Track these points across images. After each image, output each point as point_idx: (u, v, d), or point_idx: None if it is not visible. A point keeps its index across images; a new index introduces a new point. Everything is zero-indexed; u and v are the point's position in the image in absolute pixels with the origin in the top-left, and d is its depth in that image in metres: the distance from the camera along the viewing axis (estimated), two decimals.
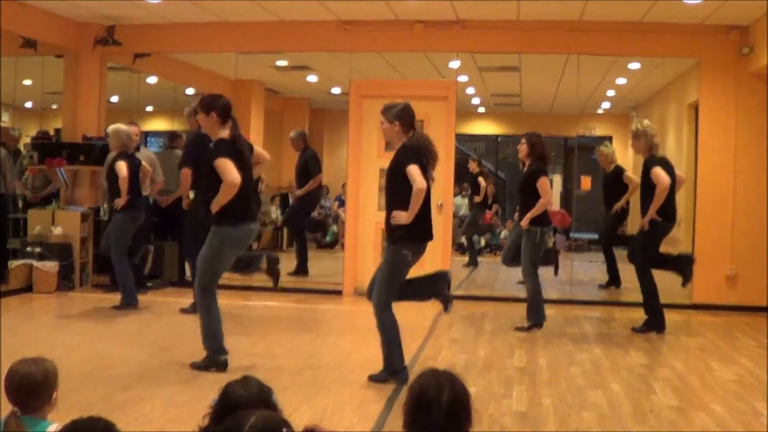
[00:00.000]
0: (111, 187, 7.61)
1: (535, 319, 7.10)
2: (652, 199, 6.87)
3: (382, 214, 5.28)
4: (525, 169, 7.13)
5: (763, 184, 8.48)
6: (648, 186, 6.95)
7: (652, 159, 6.99)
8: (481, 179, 11.94)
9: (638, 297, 7.29)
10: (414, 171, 4.95)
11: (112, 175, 7.57)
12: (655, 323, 7.08)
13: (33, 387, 2.55)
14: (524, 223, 6.95)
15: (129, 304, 7.59)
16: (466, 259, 12.25)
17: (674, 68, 9.94)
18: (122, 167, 7.46)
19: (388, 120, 5.10)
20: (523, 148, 7.11)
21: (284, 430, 1.96)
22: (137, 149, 8.56)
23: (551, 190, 7.13)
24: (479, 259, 12.54)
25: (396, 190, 5.07)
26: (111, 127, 7.74)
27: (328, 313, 8.19)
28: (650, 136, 6.95)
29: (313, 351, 6.13)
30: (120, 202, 7.48)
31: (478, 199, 11.99)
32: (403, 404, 2.17)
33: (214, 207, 5.12)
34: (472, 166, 12.18)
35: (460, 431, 2.12)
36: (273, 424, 1.94)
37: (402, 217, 4.98)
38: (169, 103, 12.04)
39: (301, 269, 10.03)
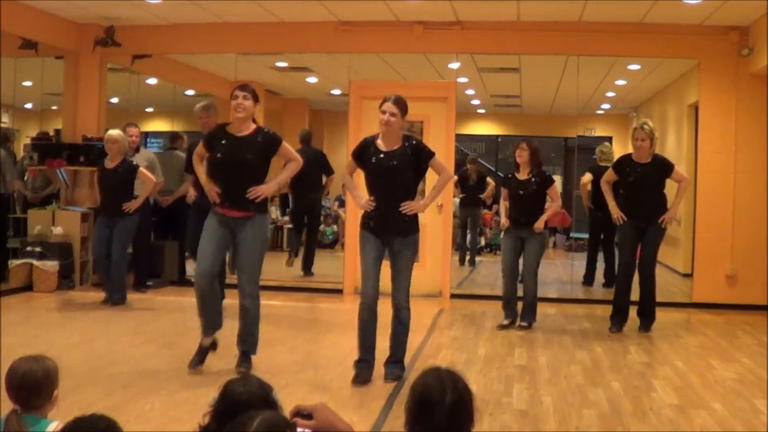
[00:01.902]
0: (125, 190, 7.73)
1: (531, 319, 7.19)
2: (661, 197, 6.95)
3: None
4: (530, 176, 7.08)
5: (763, 184, 8.49)
6: (658, 185, 6.96)
7: (667, 159, 7.14)
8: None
9: (636, 296, 7.25)
10: (441, 160, 5.30)
11: (129, 178, 7.73)
12: (620, 319, 7.13)
13: (34, 385, 2.55)
14: (540, 225, 7.02)
15: (121, 301, 7.74)
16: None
17: (674, 69, 9.95)
18: (145, 170, 7.83)
19: (402, 113, 5.09)
20: (524, 155, 7.08)
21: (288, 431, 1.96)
22: (137, 150, 8.61)
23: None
24: (477, 258, 12.52)
25: (410, 181, 5.13)
26: (117, 133, 7.79)
27: (329, 311, 8.20)
28: (656, 138, 7.03)
29: (313, 349, 6.14)
30: (135, 204, 7.71)
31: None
32: (405, 403, 2.17)
33: (273, 187, 5.20)
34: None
35: (462, 429, 2.12)
36: (277, 426, 1.94)
37: (419, 206, 5.09)
38: (169, 104, 12.05)
39: (306, 268, 10.07)
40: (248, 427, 1.90)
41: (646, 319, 7.13)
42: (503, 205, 7.32)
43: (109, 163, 7.79)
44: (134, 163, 7.92)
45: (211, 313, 5.29)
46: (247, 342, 5.25)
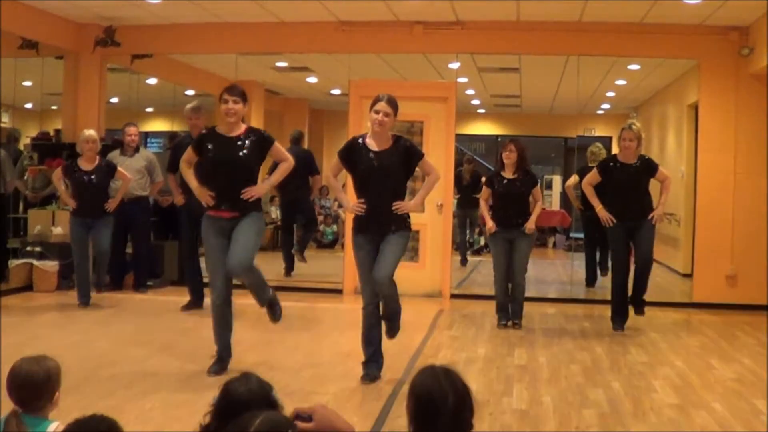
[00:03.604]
0: (103, 191, 7.70)
1: (521, 316, 7.25)
2: (647, 196, 6.97)
3: None
4: (517, 176, 7.07)
5: (763, 184, 8.50)
6: (644, 185, 6.97)
7: (652, 159, 7.15)
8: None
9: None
10: (431, 161, 5.28)
11: (108, 178, 7.70)
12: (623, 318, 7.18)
13: (34, 387, 2.54)
14: (532, 226, 7.09)
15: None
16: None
17: (674, 69, 9.95)
18: (123, 170, 7.87)
19: (394, 112, 5.05)
20: (513, 156, 7.05)
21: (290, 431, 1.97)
22: (136, 150, 8.60)
23: (548, 191, 7.28)
24: (476, 258, 12.53)
25: (401, 181, 5.11)
26: (94, 133, 7.73)
27: (329, 311, 8.20)
28: (643, 139, 7.05)
29: (313, 349, 6.14)
30: (115, 203, 7.72)
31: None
32: (407, 406, 2.16)
33: (265, 187, 5.29)
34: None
35: (465, 425, 2.14)
36: (279, 425, 1.95)
37: (410, 206, 5.07)
38: (169, 104, 12.06)
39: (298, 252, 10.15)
40: (250, 426, 1.90)
41: (639, 304, 7.13)
42: (485, 207, 7.26)
43: (86, 164, 7.61)
44: (113, 162, 7.90)
45: (224, 338, 5.28)
46: (264, 298, 5.38)
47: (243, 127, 5.21)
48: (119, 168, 7.83)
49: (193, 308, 7.53)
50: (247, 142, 5.13)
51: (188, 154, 5.28)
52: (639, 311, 7.14)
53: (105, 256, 7.78)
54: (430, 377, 2.16)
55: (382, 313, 5.17)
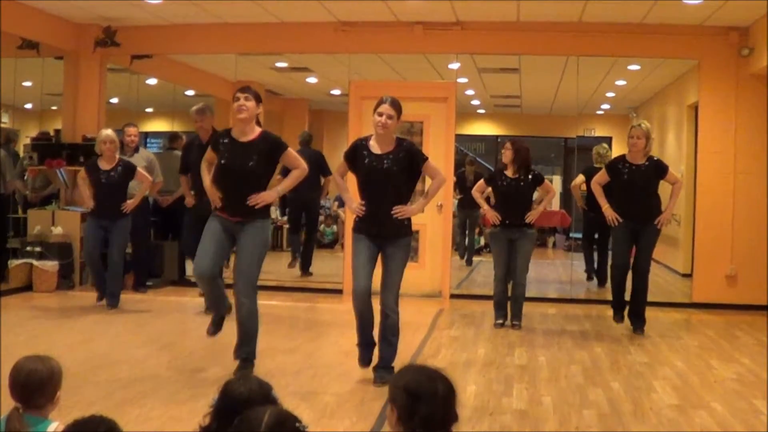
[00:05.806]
0: (122, 192, 7.61)
1: (521, 317, 7.23)
2: (656, 198, 6.94)
3: None
4: (518, 175, 7.04)
5: (763, 184, 8.50)
6: (652, 186, 6.95)
7: (661, 160, 7.11)
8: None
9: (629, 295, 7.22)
10: (435, 164, 5.26)
11: (127, 179, 7.60)
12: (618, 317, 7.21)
13: (38, 384, 2.55)
14: (535, 216, 7.05)
15: (115, 305, 7.61)
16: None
17: (674, 69, 9.96)
18: (143, 171, 7.79)
19: (398, 115, 5.02)
20: (508, 154, 7.04)
21: (297, 424, 1.98)
22: (136, 150, 8.60)
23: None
24: (475, 258, 12.53)
25: (403, 184, 5.06)
26: (112, 133, 7.62)
27: (329, 312, 8.19)
28: (652, 139, 7.01)
29: (313, 350, 6.14)
30: (133, 204, 7.62)
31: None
32: (394, 403, 2.12)
33: (273, 195, 5.10)
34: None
35: (453, 412, 2.13)
36: (287, 420, 1.97)
37: (411, 211, 5.04)
38: (169, 105, 12.06)
39: (303, 268, 10.16)
40: (260, 421, 1.92)
41: (639, 321, 7.08)
42: (481, 199, 7.25)
43: (105, 164, 7.55)
44: (132, 163, 7.86)
45: (217, 301, 5.30)
46: (246, 351, 5.14)
47: (257, 131, 5.10)
48: (139, 168, 7.77)
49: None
50: (258, 148, 5.04)
51: (209, 154, 5.23)
52: (638, 329, 7.04)
53: (117, 266, 7.64)
54: (416, 371, 2.18)
55: (380, 329, 5.11)
